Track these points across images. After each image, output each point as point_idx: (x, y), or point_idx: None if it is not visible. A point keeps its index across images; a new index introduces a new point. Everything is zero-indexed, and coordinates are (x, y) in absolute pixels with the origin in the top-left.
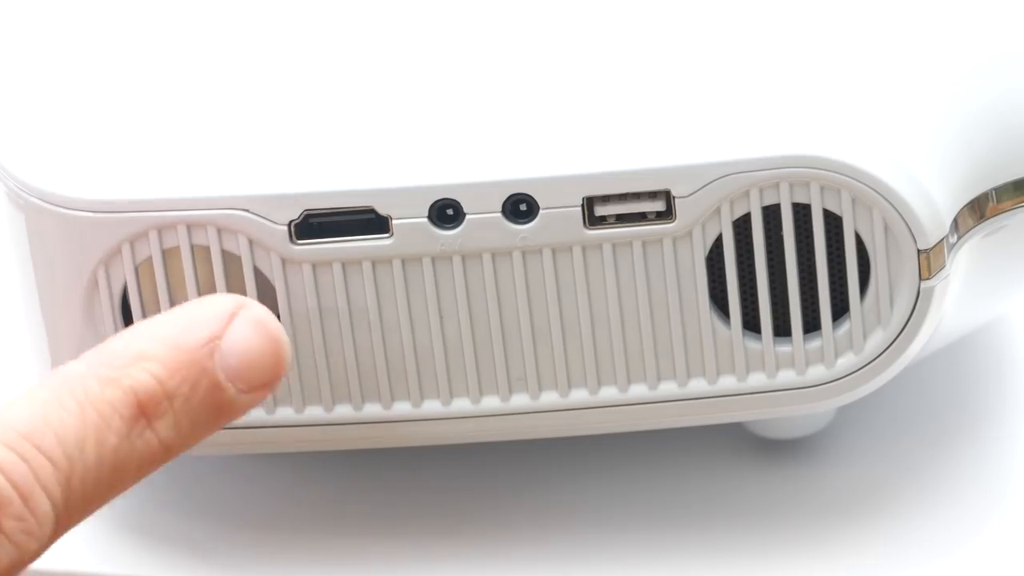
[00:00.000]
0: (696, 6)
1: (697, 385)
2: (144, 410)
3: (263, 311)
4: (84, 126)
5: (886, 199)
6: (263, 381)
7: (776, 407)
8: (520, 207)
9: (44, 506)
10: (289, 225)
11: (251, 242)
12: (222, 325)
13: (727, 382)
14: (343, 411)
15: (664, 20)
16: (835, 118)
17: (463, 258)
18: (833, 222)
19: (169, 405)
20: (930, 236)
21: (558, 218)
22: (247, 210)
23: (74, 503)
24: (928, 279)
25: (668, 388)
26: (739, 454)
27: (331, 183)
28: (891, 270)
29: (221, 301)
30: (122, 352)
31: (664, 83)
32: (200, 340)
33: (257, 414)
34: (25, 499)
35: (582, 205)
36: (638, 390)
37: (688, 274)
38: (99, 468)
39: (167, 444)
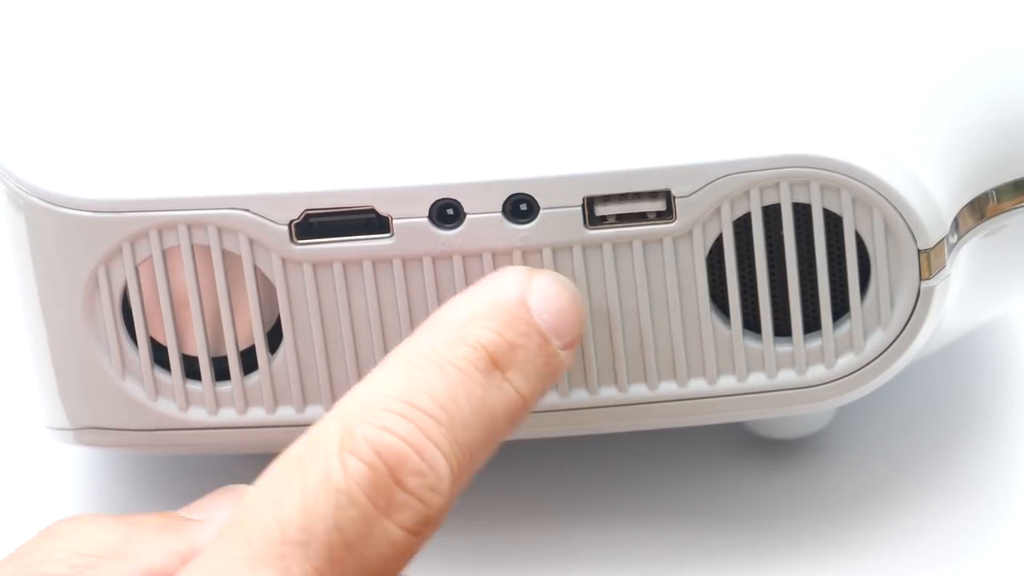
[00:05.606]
0: (696, 6)
1: (697, 385)
2: (496, 362)
3: (553, 271)
4: (84, 125)
5: (886, 199)
6: (575, 336)
7: (776, 407)
8: (520, 207)
9: (439, 459)
10: (289, 225)
11: (251, 242)
12: (525, 286)
13: (727, 382)
14: None
15: (664, 20)
16: (835, 118)
17: (463, 258)
18: (833, 222)
19: (515, 356)
20: (930, 236)
21: (558, 218)
22: (247, 210)
23: (462, 455)
24: (928, 279)
25: (668, 388)
26: (739, 454)
27: (331, 183)
28: (891, 270)
29: (512, 268)
30: (453, 318)
31: (664, 83)
32: (514, 299)
33: (257, 414)
34: (421, 454)
35: (582, 205)
36: (638, 390)
37: (688, 274)
38: (475, 419)
39: (523, 394)
